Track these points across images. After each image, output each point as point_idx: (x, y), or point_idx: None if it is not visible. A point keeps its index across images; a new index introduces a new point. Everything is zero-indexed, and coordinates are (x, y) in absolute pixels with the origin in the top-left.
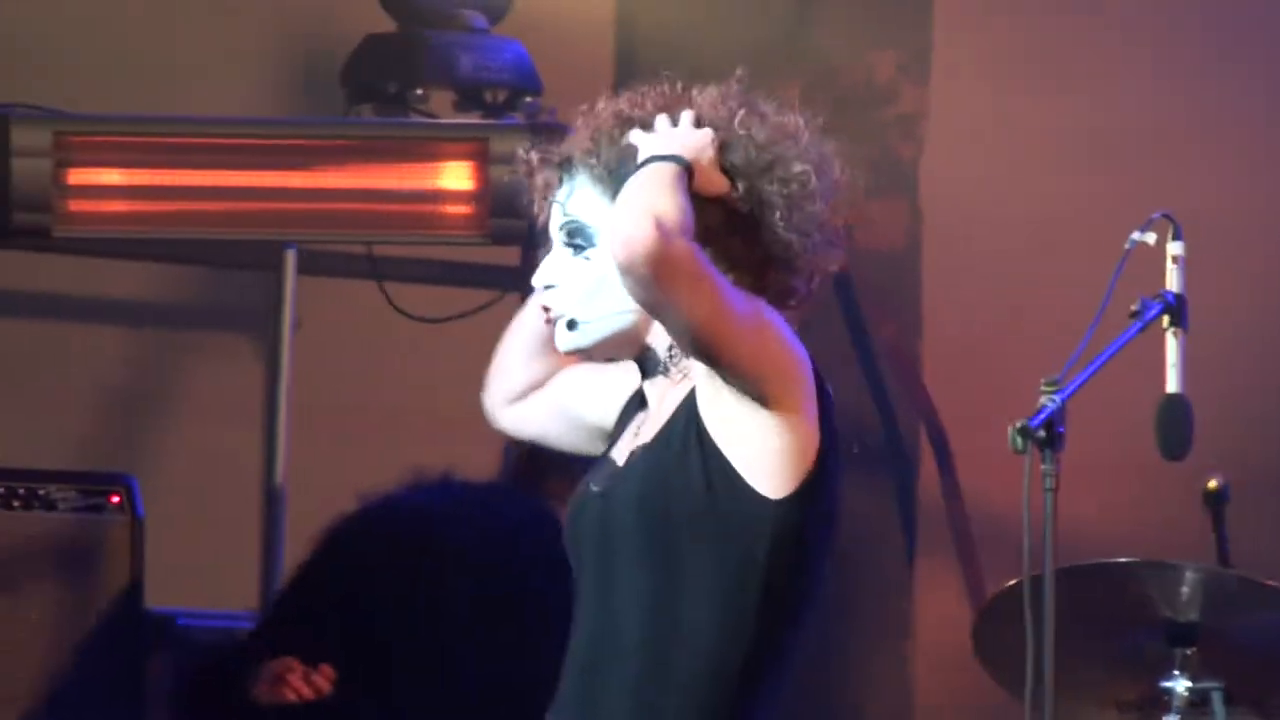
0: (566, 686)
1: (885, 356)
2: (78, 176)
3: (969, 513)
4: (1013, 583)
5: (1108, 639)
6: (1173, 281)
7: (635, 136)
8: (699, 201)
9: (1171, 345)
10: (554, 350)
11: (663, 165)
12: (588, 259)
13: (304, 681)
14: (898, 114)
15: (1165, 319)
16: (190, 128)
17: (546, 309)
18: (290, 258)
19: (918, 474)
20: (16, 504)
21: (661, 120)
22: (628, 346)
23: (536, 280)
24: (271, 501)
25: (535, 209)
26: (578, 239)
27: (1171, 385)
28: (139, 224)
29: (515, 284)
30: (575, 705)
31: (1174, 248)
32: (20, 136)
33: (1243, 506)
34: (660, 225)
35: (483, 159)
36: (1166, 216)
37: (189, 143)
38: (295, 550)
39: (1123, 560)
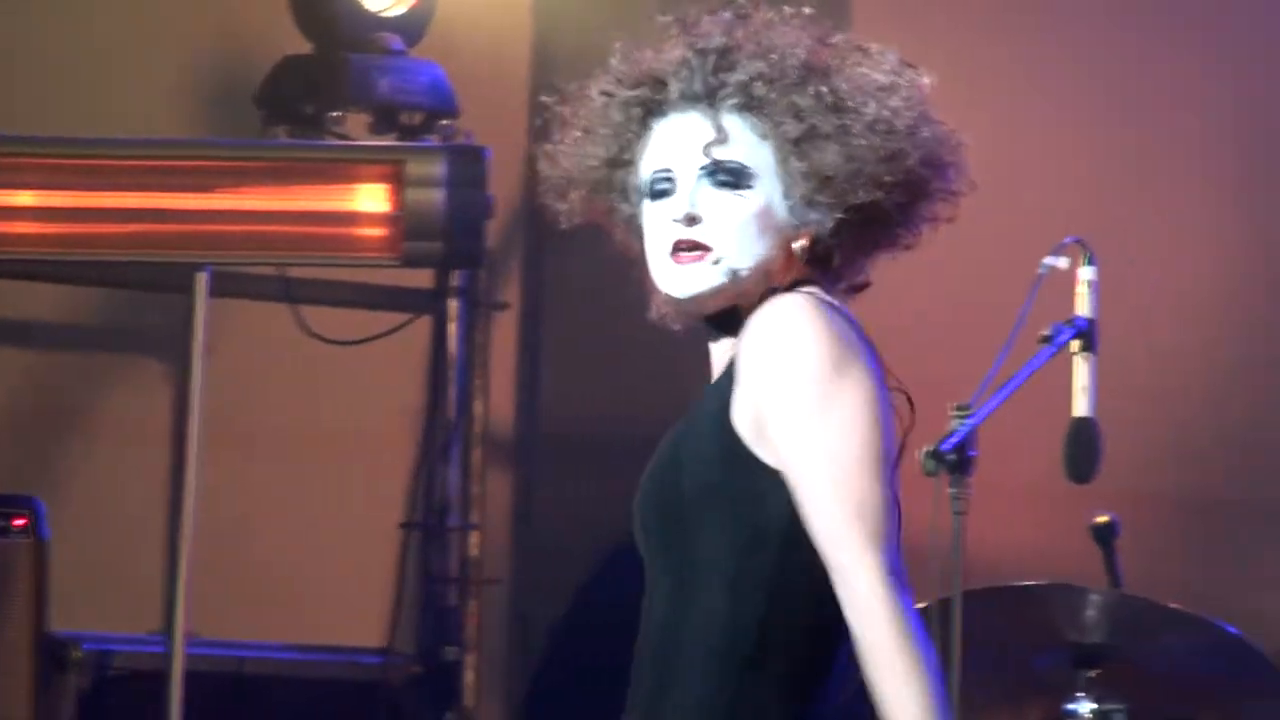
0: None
1: None
2: None
3: None
4: (922, 605)
5: (1013, 662)
6: (1084, 306)
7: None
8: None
9: (1080, 369)
10: None
11: None
12: (741, 196)
13: None
14: None
15: (1075, 343)
16: (104, 149)
17: (687, 244)
18: (202, 280)
19: None
20: None
21: None
22: (736, 297)
23: (675, 210)
24: (179, 525)
25: (612, 127)
26: (728, 175)
27: (1080, 409)
28: (51, 246)
29: (428, 306)
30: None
31: (1086, 272)
32: None
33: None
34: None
35: (398, 181)
36: (1079, 242)
37: (102, 164)
38: (200, 574)
39: (1029, 583)
